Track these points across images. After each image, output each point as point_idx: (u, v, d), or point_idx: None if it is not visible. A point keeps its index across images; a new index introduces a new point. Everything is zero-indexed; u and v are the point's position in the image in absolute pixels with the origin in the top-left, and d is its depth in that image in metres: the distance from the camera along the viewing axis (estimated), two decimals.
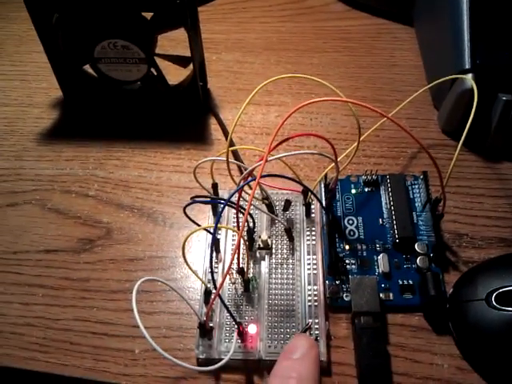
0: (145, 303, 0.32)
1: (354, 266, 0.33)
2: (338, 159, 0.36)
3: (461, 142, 0.31)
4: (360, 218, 0.35)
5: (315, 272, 0.32)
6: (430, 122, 0.42)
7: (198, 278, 0.28)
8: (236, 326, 0.29)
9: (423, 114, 0.43)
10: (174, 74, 0.42)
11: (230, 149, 0.31)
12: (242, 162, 0.38)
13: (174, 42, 0.46)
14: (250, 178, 0.29)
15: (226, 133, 0.41)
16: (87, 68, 0.41)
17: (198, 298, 0.32)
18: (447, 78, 0.37)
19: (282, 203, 0.35)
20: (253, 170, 0.28)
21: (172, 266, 0.34)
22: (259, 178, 0.25)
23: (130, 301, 0.25)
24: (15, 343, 0.31)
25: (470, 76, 0.36)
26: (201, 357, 0.29)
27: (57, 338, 0.31)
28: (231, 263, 0.26)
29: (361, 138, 0.38)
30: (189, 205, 0.29)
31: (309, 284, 0.31)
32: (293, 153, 0.29)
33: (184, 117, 0.43)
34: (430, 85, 0.40)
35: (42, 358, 0.30)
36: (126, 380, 0.29)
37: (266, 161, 0.26)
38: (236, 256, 0.30)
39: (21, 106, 0.45)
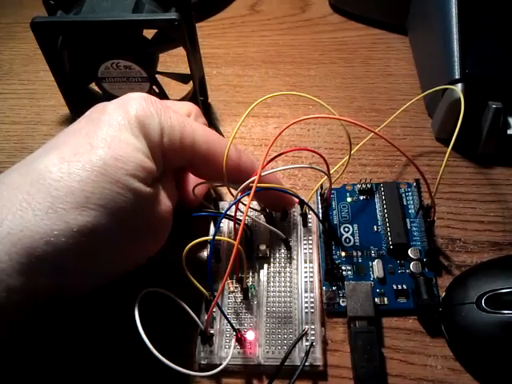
0: (148, 312, 0.33)
1: (349, 272, 0.34)
2: (335, 168, 0.38)
3: (449, 149, 0.32)
4: (355, 226, 0.36)
5: (312, 280, 0.33)
6: (425, 129, 0.43)
7: (198, 287, 0.29)
8: (234, 333, 0.30)
9: (417, 122, 0.44)
10: (176, 90, 0.44)
11: None
12: None
13: (176, 57, 0.48)
14: (246, 192, 0.31)
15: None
16: (93, 85, 0.43)
17: (199, 306, 0.33)
18: (437, 88, 0.38)
19: (280, 213, 0.36)
20: (249, 183, 0.30)
21: (174, 276, 0.35)
22: (253, 193, 0.27)
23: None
24: None
25: (459, 86, 0.37)
26: (202, 362, 0.31)
27: None
28: (228, 273, 0.27)
29: (357, 147, 0.40)
30: (188, 218, 0.30)
31: (305, 291, 0.33)
32: (285, 167, 0.31)
33: None
34: (423, 94, 0.41)
35: None
36: None
37: (260, 176, 0.28)
38: (235, 265, 0.31)
39: (30, 124, 0.47)
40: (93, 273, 0.28)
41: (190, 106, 0.34)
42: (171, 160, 0.30)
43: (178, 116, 0.30)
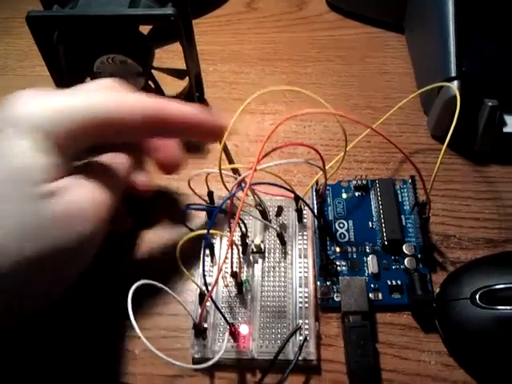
0: (143, 305, 0.33)
1: (344, 268, 0.34)
2: (330, 164, 0.38)
3: (444, 147, 0.32)
4: (350, 222, 0.36)
5: (306, 275, 0.33)
6: (420, 127, 0.43)
7: (193, 281, 0.30)
8: (228, 327, 0.30)
9: (413, 120, 0.44)
10: (172, 86, 0.44)
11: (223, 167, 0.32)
12: (237, 170, 0.39)
13: (172, 53, 0.47)
14: (241, 186, 0.31)
15: (221, 141, 0.42)
16: (88, 80, 0.42)
17: (193, 300, 0.33)
18: (433, 85, 0.38)
19: (275, 209, 0.36)
20: (243, 178, 0.30)
21: (169, 270, 0.35)
22: (247, 188, 0.27)
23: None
24: None
25: (455, 84, 0.37)
26: (196, 356, 0.30)
27: None
28: (222, 267, 0.27)
29: (352, 144, 0.40)
30: (183, 212, 0.30)
31: (300, 286, 0.33)
32: (281, 162, 0.31)
33: None
34: (419, 91, 0.41)
35: None
36: (127, 378, 0.31)
37: (255, 170, 0.28)
38: (230, 260, 0.31)
39: None
40: (30, 293, 0.26)
41: (105, 82, 0.31)
42: (87, 142, 0.28)
43: (81, 96, 0.28)
